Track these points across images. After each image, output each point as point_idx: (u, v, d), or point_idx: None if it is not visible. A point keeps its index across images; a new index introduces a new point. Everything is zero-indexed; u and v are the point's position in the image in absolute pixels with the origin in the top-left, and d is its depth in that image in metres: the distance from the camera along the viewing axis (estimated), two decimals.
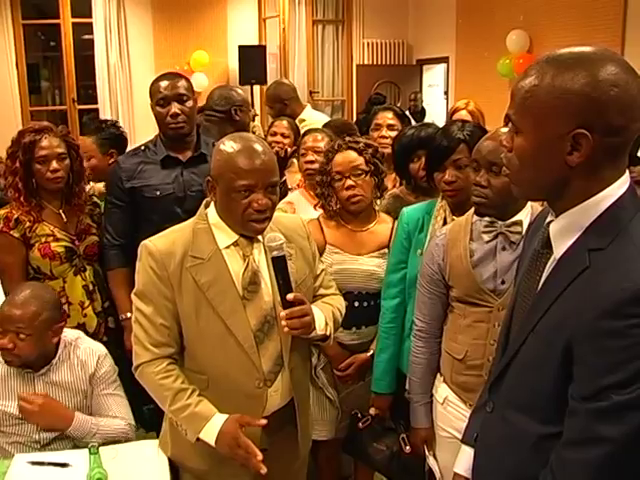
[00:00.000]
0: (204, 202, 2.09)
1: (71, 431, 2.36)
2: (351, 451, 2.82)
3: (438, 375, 2.28)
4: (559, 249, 1.32)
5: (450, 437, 2.21)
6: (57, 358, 2.45)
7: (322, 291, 2.25)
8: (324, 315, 2.10)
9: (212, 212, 2.04)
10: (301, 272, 2.10)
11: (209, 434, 1.94)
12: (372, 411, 2.63)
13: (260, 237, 2.03)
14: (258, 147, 1.96)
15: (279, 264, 1.94)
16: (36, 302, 2.39)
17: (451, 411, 2.22)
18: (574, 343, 1.21)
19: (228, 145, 1.96)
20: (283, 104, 4.55)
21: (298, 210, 3.06)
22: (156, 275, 1.97)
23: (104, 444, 2.31)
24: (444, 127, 2.55)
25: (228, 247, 2.01)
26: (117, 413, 2.46)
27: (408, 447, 2.45)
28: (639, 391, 1.13)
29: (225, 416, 1.95)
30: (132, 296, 2.05)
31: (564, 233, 1.30)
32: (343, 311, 2.27)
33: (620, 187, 1.26)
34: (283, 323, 1.92)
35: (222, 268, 1.98)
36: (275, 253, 1.93)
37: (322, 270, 2.28)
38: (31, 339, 2.36)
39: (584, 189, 1.25)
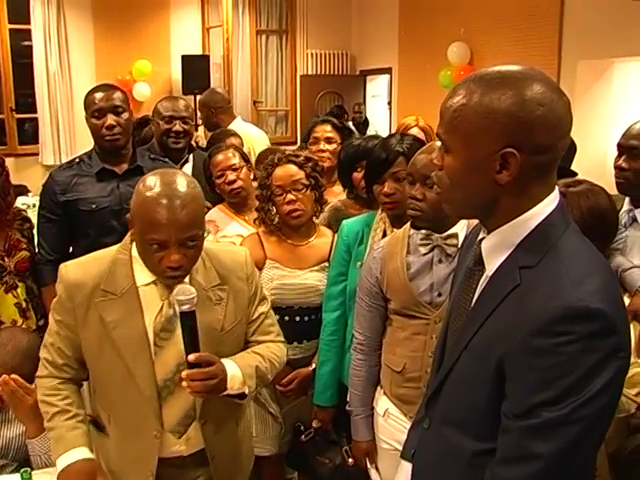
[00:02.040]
0: (130, 231, 1.89)
1: (37, 441, 2.28)
2: (294, 464, 2.81)
3: (378, 388, 2.29)
4: (491, 266, 1.33)
5: (392, 449, 2.21)
6: None
7: (257, 337, 2.07)
8: (242, 372, 1.89)
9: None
10: (230, 318, 1.95)
11: (60, 464, 1.85)
12: (315, 424, 2.63)
13: None
14: (180, 192, 1.74)
15: (187, 320, 1.75)
16: (27, 362, 2.30)
17: (392, 423, 2.22)
18: (506, 361, 1.22)
19: (148, 187, 1.75)
20: (210, 111, 4.60)
21: (221, 226, 3.03)
22: (62, 305, 1.89)
23: (38, 468, 2.25)
24: (383, 140, 2.57)
25: (147, 285, 1.86)
26: None
27: (351, 459, 2.44)
28: (570, 407, 1.14)
29: (86, 455, 1.85)
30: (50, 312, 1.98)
31: (495, 250, 1.32)
32: (279, 361, 2.09)
33: (549, 204, 1.27)
34: (184, 384, 1.75)
35: (134, 308, 1.84)
36: (184, 308, 1.73)
37: (262, 314, 2.09)
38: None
39: (514, 207, 1.27)
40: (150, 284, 1.87)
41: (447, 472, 1.40)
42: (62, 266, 1.92)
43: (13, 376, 2.24)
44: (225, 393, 1.86)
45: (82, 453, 1.86)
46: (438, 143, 2.02)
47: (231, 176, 3.03)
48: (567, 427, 1.15)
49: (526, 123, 1.19)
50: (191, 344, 1.75)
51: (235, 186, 3.03)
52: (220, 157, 3.09)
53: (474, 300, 1.38)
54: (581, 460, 1.20)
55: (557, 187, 1.30)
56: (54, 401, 1.91)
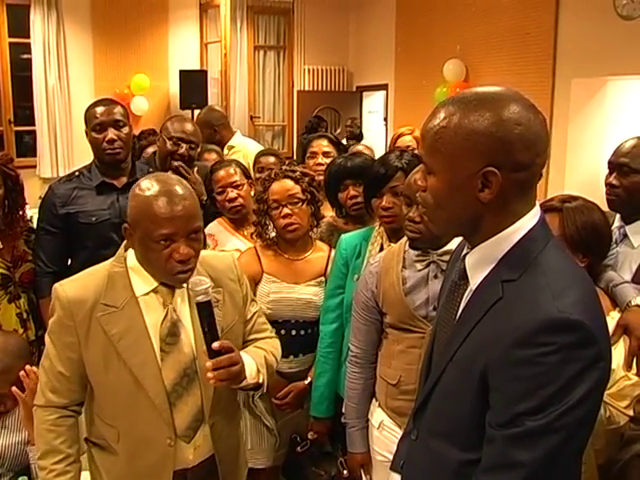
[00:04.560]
0: (123, 244, 1.93)
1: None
2: (290, 476, 2.82)
3: (374, 400, 2.31)
4: (474, 280, 1.37)
5: (386, 461, 2.21)
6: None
7: (254, 336, 2.13)
8: (255, 362, 1.95)
9: (131, 256, 1.89)
10: (229, 318, 1.98)
11: None
12: (310, 435, 2.64)
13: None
14: (178, 190, 1.80)
15: (204, 310, 1.76)
16: (8, 360, 2.32)
17: (387, 435, 2.24)
18: (489, 372, 1.25)
19: (145, 189, 1.80)
20: (213, 130, 4.59)
21: (220, 241, 3.06)
22: (62, 324, 1.86)
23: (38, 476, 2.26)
24: (382, 156, 2.61)
25: (147, 294, 1.87)
26: None
27: (346, 471, 2.45)
28: (551, 416, 1.17)
29: None
30: (45, 336, 1.95)
31: (479, 265, 1.35)
32: (278, 355, 2.16)
33: (531, 220, 1.31)
34: (209, 375, 1.76)
35: (136, 318, 1.84)
36: (200, 298, 1.75)
37: (254, 313, 2.14)
38: (4, 394, 2.32)
39: (497, 223, 1.31)
40: (150, 293, 1.87)
41: None
42: (57, 285, 1.90)
43: (30, 367, 2.25)
44: (244, 383, 1.88)
45: None
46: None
47: (232, 193, 3.05)
48: (549, 436, 1.18)
49: (505, 142, 1.23)
50: (211, 333, 1.76)
51: (235, 204, 3.06)
52: (222, 173, 3.11)
53: (459, 313, 1.41)
54: (563, 468, 1.23)
55: (538, 203, 1.34)
56: (49, 438, 1.91)
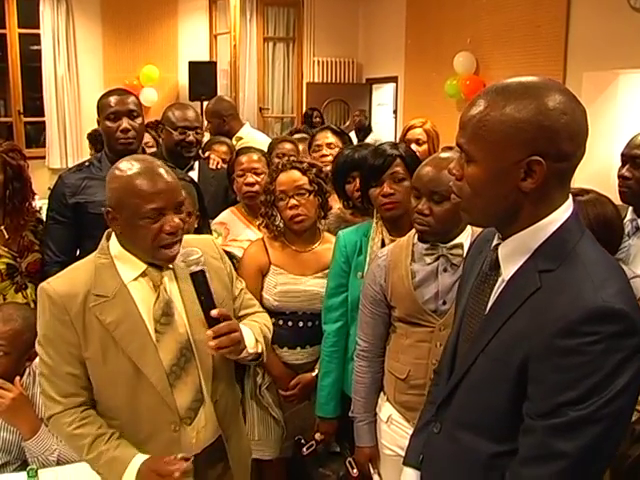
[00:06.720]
0: (105, 234, 1.92)
1: (33, 442, 2.29)
2: (297, 476, 2.81)
3: (382, 394, 2.30)
4: (508, 271, 1.35)
5: (395, 455, 2.21)
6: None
7: (244, 311, 2.14)
8: (252, 332, 1.99)
9: (114, 244, 1.88)
10: (218, 295, 1.92)
11: (129, 477, 1.81)
12: (317, 436, 2.61)
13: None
14: (157, 166, 1.82)
15: (199, 279, 1.78)
16: (20, 321, 2.35)
17: (395, 430, 2.23)
18: (530, 362, 1.25)
19: (125, 169, 1.80)
20: (222, 120, 4.56)
21: (232, 230, 3.06)
22: (58, 320, 1.81)
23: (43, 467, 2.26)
24: (376, 147, 2.57)
25: (136, 279, 1.86)
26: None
27: (355, 470, 2.41)
28: (594, 406, 1.17)
29: (146, 456, 1.83)
30: (36, 345, 1.89)
31: (513, 255, 1.34)
32: (270, 327, 2.18)
33: (565, 211, 1.31)
34: (211, 343, 1.77)
35: (129, 305, 1.83)
36: (193, 268, 1.79)
37: (241, 290, 2.16)
38: (9, 358, 2.32)
39: (534, 213, 1.30)
40: (138, 278, 1.86)
41: (462, 475, 1.43)
42: (44, 284, 1.86)
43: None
44: (244, 353, 1.90)
45: (140, 458, 1.83)
46: (443, 154, 2.07)
47: (250, 178, 3.07)
48: (591, 425, 1.18)
49: (551, 131, 1.23)
50: (208, 301, 1.79)
51: (252, 189, 3.07)
52: (245, 158, 3.15)
53: (490, 304, 1.40)
54: (603, 459, 1.23)
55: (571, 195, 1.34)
56: (86, 432, 1.84)
